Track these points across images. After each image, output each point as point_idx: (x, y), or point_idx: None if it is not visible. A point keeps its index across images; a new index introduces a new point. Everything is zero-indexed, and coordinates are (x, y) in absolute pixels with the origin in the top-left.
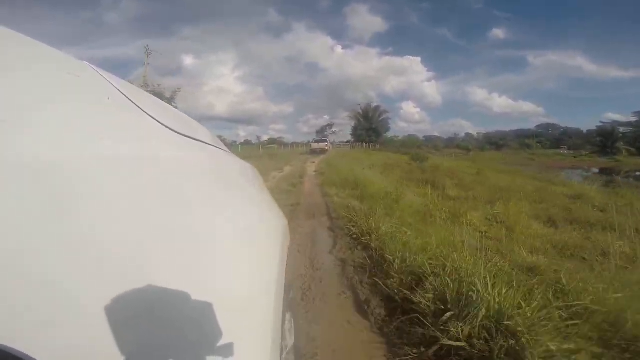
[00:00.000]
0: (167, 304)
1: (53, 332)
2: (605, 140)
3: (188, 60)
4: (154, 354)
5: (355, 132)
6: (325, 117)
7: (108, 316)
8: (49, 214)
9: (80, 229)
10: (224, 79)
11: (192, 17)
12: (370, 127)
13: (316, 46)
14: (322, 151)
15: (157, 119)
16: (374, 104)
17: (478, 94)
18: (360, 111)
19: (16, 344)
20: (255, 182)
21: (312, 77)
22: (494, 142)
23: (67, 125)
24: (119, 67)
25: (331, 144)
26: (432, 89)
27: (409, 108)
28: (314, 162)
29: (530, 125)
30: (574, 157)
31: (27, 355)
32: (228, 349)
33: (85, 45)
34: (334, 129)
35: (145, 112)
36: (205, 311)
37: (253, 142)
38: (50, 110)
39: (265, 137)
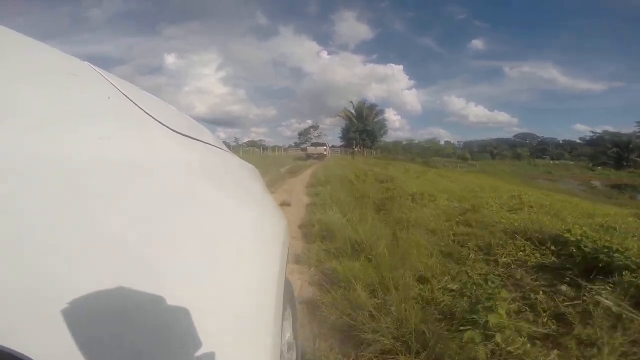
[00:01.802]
0: (167, 302)
1: (54, 332)
2: (621, 152)
3: (170, 59)
4: (154, 354)
5: (346, 134)
6: (308, 121)
7: (109, 316)
8: (48, 214)
9: (80, 229)
10: (206, 80)
11: (177, 16)
12: (364, 129)
13: (302, 50)
14: (320, 156)
15: (158, 119)
16: (368, 102)
17: (456, 103)
18: (353, 110)
19: (15, 344)
20: (257, 181)
21: (296, 82)
22: (489, 151)
23: (67, 126)
24: (99, 65)
25: (330, 148)
26: (412, 97)
27: (390, 115)
28: (288, 205)
29: (505, 134)
30: (591, 169)
31: (25, 356)
32: (228, 349)
33: (64, 39)
34: (318, 132)
35: (146, 112)
36: (205, 310)
37: (232, 144)
38: (50, 110)
39: (246, 140)
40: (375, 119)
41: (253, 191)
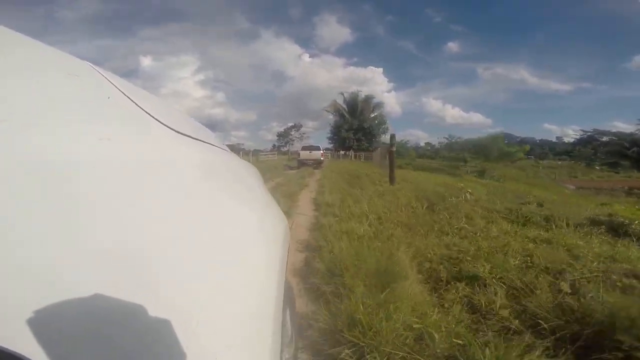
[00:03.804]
0: (166, 303)
1: (52, 334)
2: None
3: (146, 62)
4: (153, 355)
5: (337, 133)
6: (290, 124)
7: (108, 317)
8: (48, 215)
9: (80, 229)
10: (184, 82)
11: (153, 18)
12: (359, 127)
13: (283, 53)
14: (316, 163)
15: (158, 119)
16: (363, 94)
17: (433, 104)
18: (344, 104)
19: (15, 345)
20: (258, 182)
21: (277, 85)
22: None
23: (67, 125)
24: None
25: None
26: (392, 100)
27: None
28: None
29: (482, 134)
30: (615, 172)
31: (24, 356)
32: (228, 351)
33: (35, 39)
34: (301, 132)
35: (147, 112)
36: (204, 311)
37: None
38: (50, 110)
39: (226, 143)
40: (373, 114)
41: (255, 191)
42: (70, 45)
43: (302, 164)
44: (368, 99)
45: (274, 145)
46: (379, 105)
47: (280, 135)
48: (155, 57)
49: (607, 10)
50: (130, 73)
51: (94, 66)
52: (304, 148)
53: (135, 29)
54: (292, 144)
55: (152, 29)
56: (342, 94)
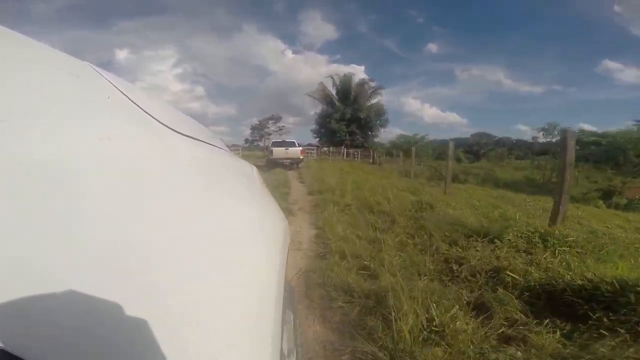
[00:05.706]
0: (163, 304)
1: (52, 335)
2: None
3: (122, 55)
4: (153, 355)
5: (324, 125)
6: (267, 116)
7: (108, 318)
8: (48, 215)
9: (79, 229)
10: (161, 76)
11: (130, 10)
12: (354, 117)
13: (266, 49)
14: (294, 164)
15: (157, 118)
16: (357, 77)
17: (412, 104)
18: (334, 89)
19: (13, 344)
20: (256, 181)
21: (259, 80)
22: (471, 152)
23: (67, 125)
24: None
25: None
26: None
27: None
28: None
29: (457, 134)
30: (634, 177)
31: (23, 356)
32: (226, 354)
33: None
34: (279, 125)
35: (146, 112)
36: (202, 313)
37: None
38: (50, 110)
39: None
40: (370, 102)
41: (254, 190)
42: (40, 36)
43: (275, 164)
44: (364, 82)
45: (246, 140)
46: (377, 91)
47: (254, 128)
48: (131, 50)
49: (580, 16)
50: (103, 65)
51: (94, 66)
52: (276, 144)
53: (111, 21)
54: (269, 138)
55: (128, 21)
56: (332, 77)
